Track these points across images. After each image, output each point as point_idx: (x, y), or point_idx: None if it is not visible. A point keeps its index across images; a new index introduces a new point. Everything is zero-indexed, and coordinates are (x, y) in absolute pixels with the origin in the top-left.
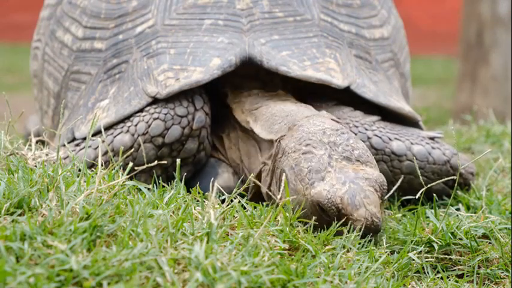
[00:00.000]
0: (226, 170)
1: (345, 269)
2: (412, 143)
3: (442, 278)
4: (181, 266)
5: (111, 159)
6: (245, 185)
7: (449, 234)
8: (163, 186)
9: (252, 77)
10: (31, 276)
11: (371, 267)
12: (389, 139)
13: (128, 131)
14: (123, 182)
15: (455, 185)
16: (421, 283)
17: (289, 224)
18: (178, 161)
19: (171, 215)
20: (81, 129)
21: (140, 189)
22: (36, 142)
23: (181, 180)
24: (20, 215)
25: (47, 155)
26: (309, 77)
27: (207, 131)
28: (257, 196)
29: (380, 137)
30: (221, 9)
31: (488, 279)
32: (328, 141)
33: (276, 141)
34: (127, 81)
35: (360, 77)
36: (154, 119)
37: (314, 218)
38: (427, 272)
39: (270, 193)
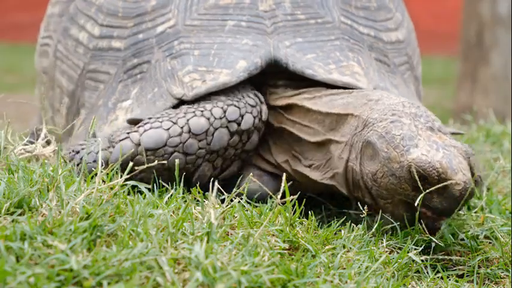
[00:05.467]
0: (263, 174)
1: (345, 268)
2: None
3: (442, 278)
4: (182, 265)
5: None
6: (244, 185)
7: (449, 234)
8: (163, 186)
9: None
10: (31, 276)
11: (371, 267)
12: None
13: (202, 114)
14: (123, 182)
15: (479, 184)
16: (421, 283)
17: (289, 223)
18: (177, 161)
19: (171, 215)
20: (104, 130)
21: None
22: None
23: (180, 181)
24: (20, 214)
25: (71, 159)
26: (335, 81)
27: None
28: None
29: None
30: (243, 10)
31: (488, 279)
32: (409, 112)
33: (353, 115)
34: (150, 82)
35: (382, 80)
36: (229, 105)
37: (403, 186)
38: (427, 272)
39: (351, 165)
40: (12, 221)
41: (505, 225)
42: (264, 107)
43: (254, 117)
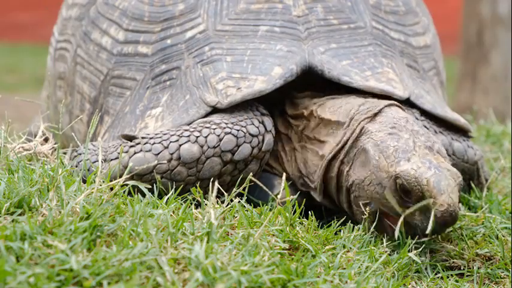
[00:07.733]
0: (282, 182)
1: (345, 268)
2: (453, 139)
3: (442, 278)
4: (182, 265)
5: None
6: (243, 185)
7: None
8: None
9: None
10: (31, 276)
11: (371, 266)
12: (436, 132)
13: (196, 141)
14: (124, 181)
15: (485, 186)
16: (421, 283)
17: (289, 223)
18: (176, 156)
19: (171, 215)
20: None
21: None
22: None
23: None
24: (20, 214)
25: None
26: (372, 88)
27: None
28: (327, 195)
29: (428, 129)
30: (276, 15)
31: (488, 279)
32: (411, 129)
33: (357, 122)
34: (180, 89)
35: (416, 87)
36: (226, 133)
37: (387, 197)
38: (427, 272)
39: (342, 169)
40: (12, 221)
41: (505, 224)
42: (268, 136)
43: (252, 148)
